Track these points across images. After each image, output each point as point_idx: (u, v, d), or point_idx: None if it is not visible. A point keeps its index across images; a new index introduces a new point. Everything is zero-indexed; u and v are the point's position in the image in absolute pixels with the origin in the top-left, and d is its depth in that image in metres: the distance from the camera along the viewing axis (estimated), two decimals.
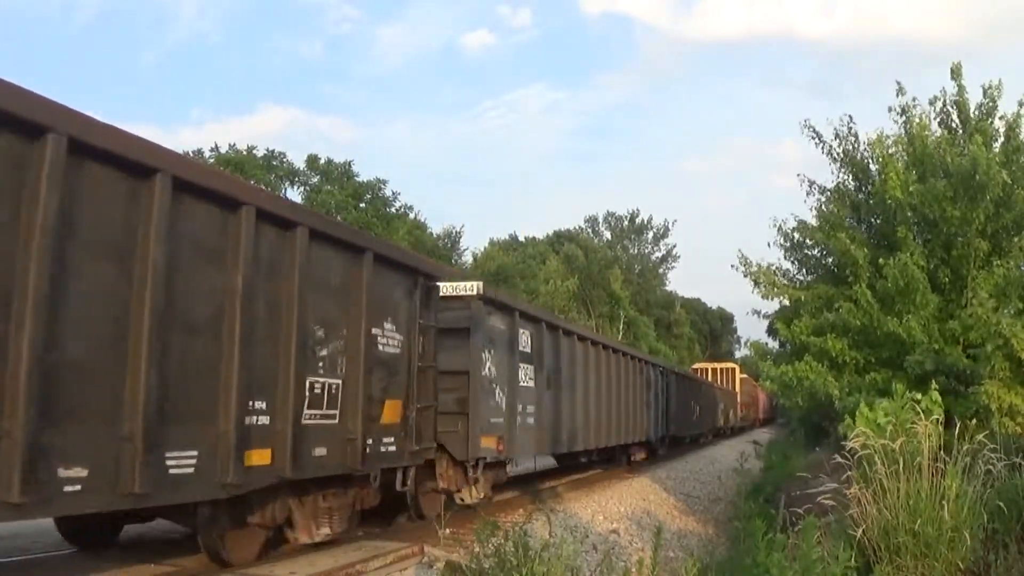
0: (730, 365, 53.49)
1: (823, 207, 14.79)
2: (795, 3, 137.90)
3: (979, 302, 10.81)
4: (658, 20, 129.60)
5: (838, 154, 14.69)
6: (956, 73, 13.58)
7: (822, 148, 14.66)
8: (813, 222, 14.66)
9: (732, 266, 14.19)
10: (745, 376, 54.31)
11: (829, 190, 14.90)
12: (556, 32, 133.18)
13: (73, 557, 7.13)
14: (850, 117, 14.53)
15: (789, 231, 14.70)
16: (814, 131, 14.66)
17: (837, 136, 14.50)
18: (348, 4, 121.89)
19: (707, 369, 49.20)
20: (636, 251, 72.85)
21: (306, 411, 6.57)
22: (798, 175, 15.39)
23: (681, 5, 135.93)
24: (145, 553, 7.18)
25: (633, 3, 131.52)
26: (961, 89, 13.67)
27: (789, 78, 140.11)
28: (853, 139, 14.57)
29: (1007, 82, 13.56)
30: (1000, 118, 13.43)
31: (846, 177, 14.84)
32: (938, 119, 14.06)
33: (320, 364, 6.80)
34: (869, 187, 14.56)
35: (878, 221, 14.29)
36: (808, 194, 15.00)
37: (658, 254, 73.79)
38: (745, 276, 14.11)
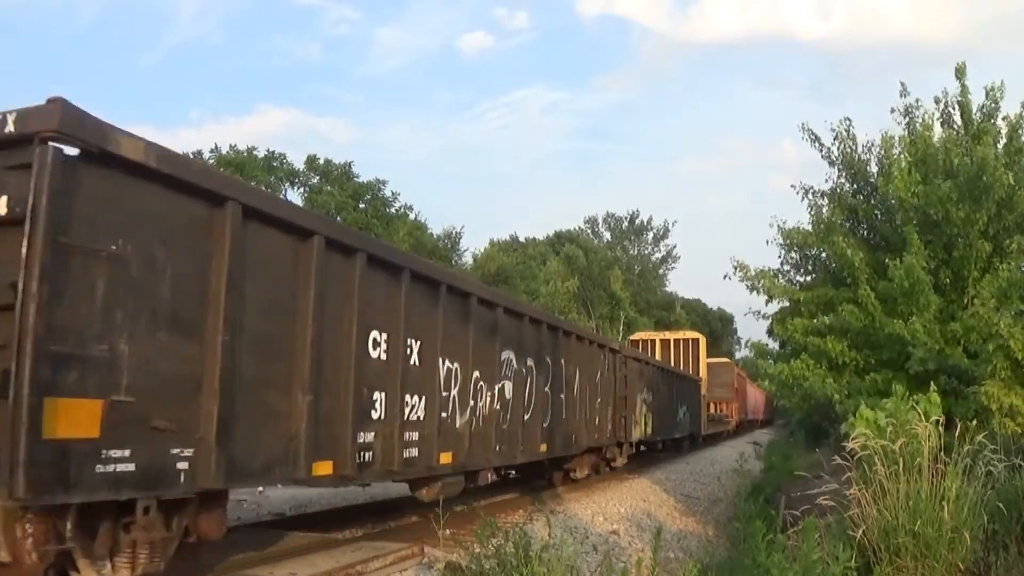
0: (691, 335, 33.20)
1: (817, 210, 14.80)
2: (791, 5, 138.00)
3: (982, 301, 10.84)
4: (654, 22, 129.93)
5: (836, 157, 14.71)
6: (960, 73, 13.61)
7: (820, 151, 14.69)
8: (808, 227, 14.69)
9: (726, 276, 14.18)
10: (723, 360, 41.04)
11: (826, 193, 14.91)
12: (553, 34, 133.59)
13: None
14: (848, 120, 14.57)
15: (788, 231, 14.71)
16: (812, 134, 14.69)
17: (836, 139, 14.52)
18: (345, 6, 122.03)
19: (650, 341, 30.86)
20: (636, 252, 72.94)
21: None
22: (793, 185, 15.41)
23: (677, 7, 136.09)
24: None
25: (629, 5, 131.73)
26: (964, 89, 13.70)
27: (787, 80, 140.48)
28: (851, 142, 14.59)
29: (1005, 84, 13.62)
30: (1003, 119, 13.46)
31: (844, 180, 14.86)
32: (941, 119, 14.12)
33: None
34: (868, 189, 14.57)
35: (878, 223, 14.30)
36: (803, 199, 15.02)
37: (658, 255, 73.98)
38: (742, 281, 14.10)
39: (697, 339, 32.04)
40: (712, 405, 35.46)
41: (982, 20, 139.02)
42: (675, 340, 31.26)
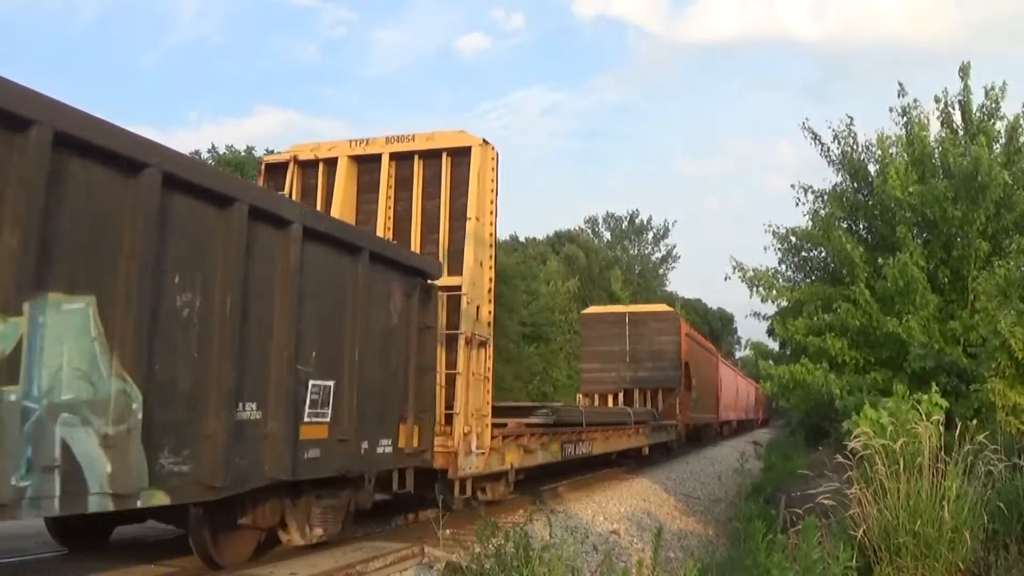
0: (445, 141, 10.36)
1: (818, 209, 14.82)
2: (787, 6, 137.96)
3: (987, 297, 10.86)
4: (650, 24, 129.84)
5: (836, 156, 14.74)
6: (964, 73, 13.64)
7: (820, 150, 14.72)
8: (808, 225, 14.70)
9: (726, 277, 14.19)
10: (656, 308, 24.33)
11: (826, 192, 14.94)
12: (551, 36, 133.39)
13: (73, 558, 7.12)
14: (849, 119, 14.60)
15: (785, 233, 14.72)
16: (812, 133, 14.72)
17: (835, 138, 14.56)
18: (343, 8, 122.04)
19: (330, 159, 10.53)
20: (636, 252, 72.89)
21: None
22: (792, 185, 15.45)
23: (673, 9, 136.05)
24: (145, 553, 7.17)
25: (625, 7, 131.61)
26: (967, 89, 13.73)
27: (784, 80, 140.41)
28: (851, 141, 14.62)
29: (1000, 84, 13.64)
30: (1002, 118, 13.48)
31: (843, 179, 14.89)
32: (940, 118, 14.13)
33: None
34: (867, 188, 14.60)
35: (877, 221, 14.32)
36: (802, 201, 15.04)
37: (658, 255, 73.93)
38: (742, 281, 14.13)
39: (468, 149, 10.33)
40: (637, 395, 21.20)
41: (978, 21, 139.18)
42: (392, 155, 10.71)
